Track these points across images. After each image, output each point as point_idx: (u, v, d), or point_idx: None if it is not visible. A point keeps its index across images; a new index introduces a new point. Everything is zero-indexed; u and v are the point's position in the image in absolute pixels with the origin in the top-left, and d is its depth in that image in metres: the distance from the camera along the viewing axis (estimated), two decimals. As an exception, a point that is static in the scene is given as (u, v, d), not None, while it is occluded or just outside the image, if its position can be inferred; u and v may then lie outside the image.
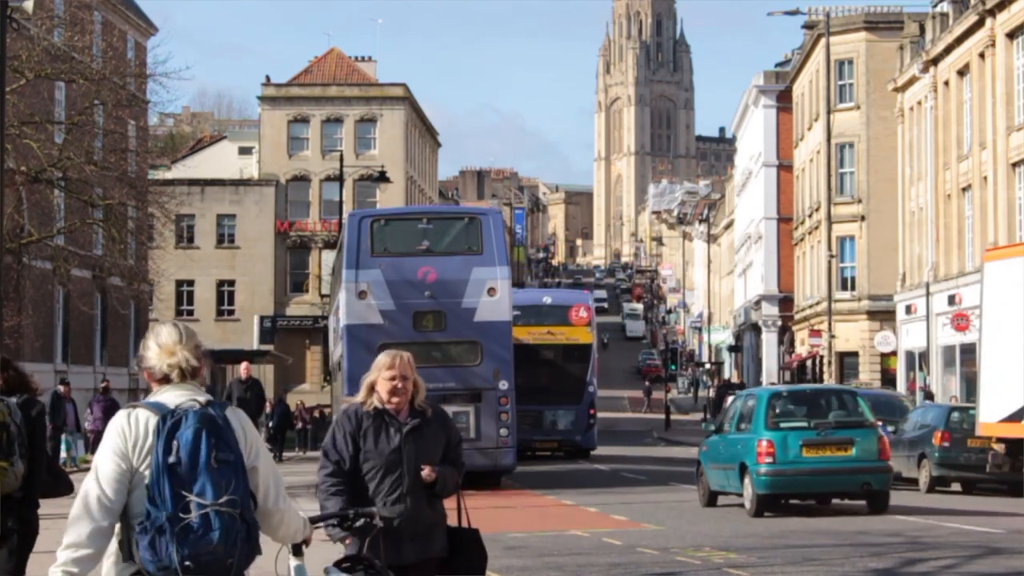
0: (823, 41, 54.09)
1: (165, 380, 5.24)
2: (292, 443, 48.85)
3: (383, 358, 7.48)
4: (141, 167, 49.18)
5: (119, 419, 5.18)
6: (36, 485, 9.25)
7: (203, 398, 5.20)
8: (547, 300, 40.98)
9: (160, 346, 5.25)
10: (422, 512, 7.41)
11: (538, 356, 37.23)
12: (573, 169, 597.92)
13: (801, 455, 21.07)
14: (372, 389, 7.49)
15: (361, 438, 7.39)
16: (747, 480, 21.20)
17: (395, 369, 7.42)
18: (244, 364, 31.32)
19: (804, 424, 21.49)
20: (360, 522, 6.71)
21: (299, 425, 51.40)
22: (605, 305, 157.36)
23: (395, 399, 7.42)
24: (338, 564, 6.53)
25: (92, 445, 33.94)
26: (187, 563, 4.97)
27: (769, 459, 20.87)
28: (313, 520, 6.13)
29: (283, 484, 5.58)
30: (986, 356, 27.80)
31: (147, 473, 5.05)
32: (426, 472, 7.35)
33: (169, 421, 5.07)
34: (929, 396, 43.59)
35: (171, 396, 5.19)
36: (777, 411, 21.82)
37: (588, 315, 39.24)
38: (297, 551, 5.95)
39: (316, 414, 53.77)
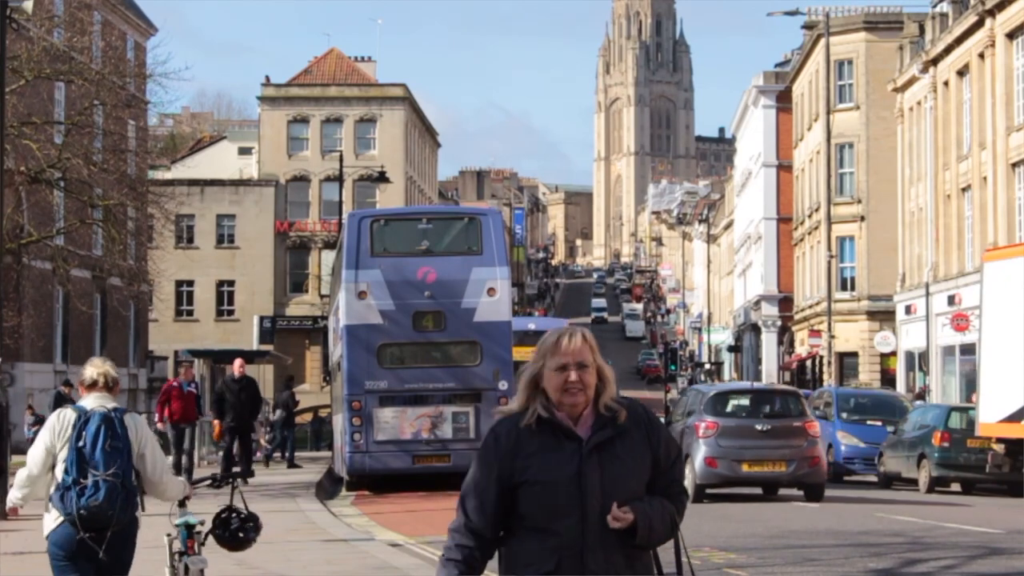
0: (823, 41, 54.07)
1: (94, 386, 8.01)
2: (304, 442, 45.49)
3: (549, 338, 4.99)
4: (141, 167, 49.17)
5: (54, 415, 8.05)
6: (5, 469, 11.95)
7: (111, 405, 7.96)
8: (531, 326, 48.75)
9: (93, 365, 8.17)
10: (616, 573, 4.91)
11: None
12: (574, 169, 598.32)
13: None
14: (535, 387, 4.96)
15: (518, 469, 4.87)
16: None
17: (566, 353, 4.90)
18: (238, 361, 28.66)
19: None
20: (227, 483, 9.11)
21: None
22: (605, 315, 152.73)
23: (569, 400, 4.88)
24: (218, 514, 8.83)
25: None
26: (82, 511, 7.72)
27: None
28: (192, 483, 8.88)
29: (167, 463, 8.47)
30: (986, 357, 27.80)
31: (64, 450, 7.81)
32: (615, 514, 4.82)
33: (83, 419, 7.85)
34: (919, 397, 43.54)
35: (90, 401, 7.98)
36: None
37: None
38: (182, 504, 8.59)
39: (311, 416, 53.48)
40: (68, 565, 7.85)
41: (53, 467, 7.88)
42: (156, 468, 8.08)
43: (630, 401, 5.02)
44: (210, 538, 8.85)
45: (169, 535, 8.77)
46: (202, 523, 8.69)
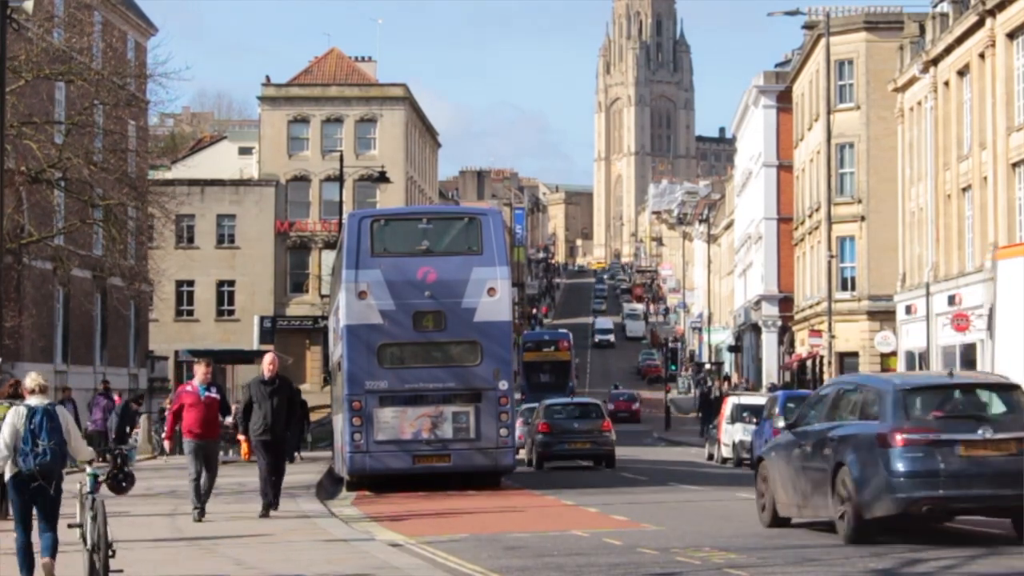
0: (823, 41, 54.06)
1: (34, 392, 12.66)
2: (316, 443, 45.43)
3: None
4: (141, 167, 49.18)
5: (13, 408, 12.68)
6: None
7: (47, 402, 12.59)
8: (546, 337, 70.64)
9: (31, 378, 12.83)
10: None
11: (541, 368, 64.89)
12: (575, 169, 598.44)
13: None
14: None
15: None
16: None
17: None
18: (269, 357, 21.62)
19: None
20: (116, 451, 15.08)
21: None
22: (611, 339, 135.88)
23: None
24: (109, 472, 14.25)
25: (93, 444, 33.77)
26: (36, 467, 12.30)
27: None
28: (98, 452, 15.56)
29: (80, 435, 13.07)
30: (999, 353, 27.78)
31: (21, 431, 12.37)
32: None
33: (31, 411, 12.46)
34: None
35: (34, 400, 12.62)
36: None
37: (568, 344, 68.57)
38: (89, 463, 12.94)
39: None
40: (18, 499, 12.56)
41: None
42: (76, 441, 12.80)
43: None
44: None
45: (80, 483, 13.10)
46: (102, 475, 13.32)
